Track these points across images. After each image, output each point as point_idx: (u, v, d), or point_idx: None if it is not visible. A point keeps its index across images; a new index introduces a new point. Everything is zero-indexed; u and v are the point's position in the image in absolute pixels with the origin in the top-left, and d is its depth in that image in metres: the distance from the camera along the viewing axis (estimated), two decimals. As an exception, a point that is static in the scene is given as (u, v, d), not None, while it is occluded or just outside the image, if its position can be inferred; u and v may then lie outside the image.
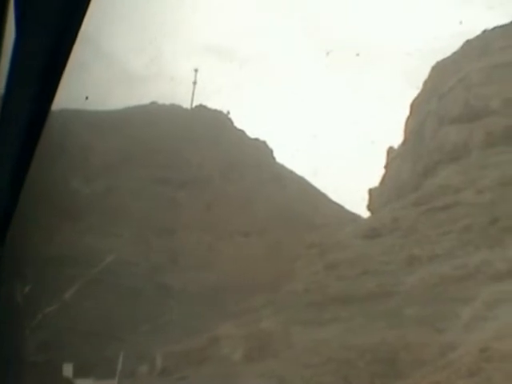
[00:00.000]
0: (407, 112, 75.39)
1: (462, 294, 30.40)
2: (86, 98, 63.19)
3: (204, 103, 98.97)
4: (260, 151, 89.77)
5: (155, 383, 39.24)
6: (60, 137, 43.23)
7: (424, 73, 74.41)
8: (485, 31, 67.18)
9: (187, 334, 42.39)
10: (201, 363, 36.62)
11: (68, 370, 35.97)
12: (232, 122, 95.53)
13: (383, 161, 76.04)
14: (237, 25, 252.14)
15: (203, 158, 78.97)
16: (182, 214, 69.37)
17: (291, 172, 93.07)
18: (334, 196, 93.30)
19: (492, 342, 15.44)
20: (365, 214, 74.83)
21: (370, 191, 74.29)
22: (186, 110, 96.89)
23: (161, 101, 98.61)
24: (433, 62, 72.38)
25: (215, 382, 32.50)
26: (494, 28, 66.06)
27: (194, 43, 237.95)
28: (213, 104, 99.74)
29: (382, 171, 75.33)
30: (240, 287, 56.98)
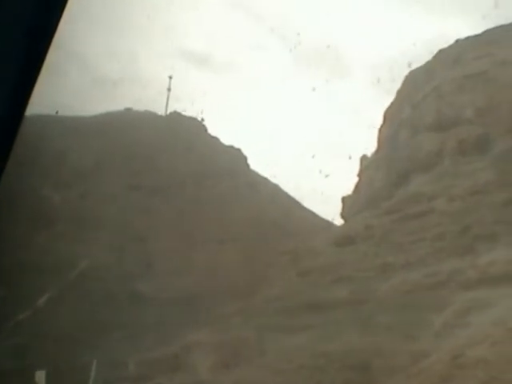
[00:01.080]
0: (381, 120, 75.87)
1: (434, 301, 30.54)
2: (56, 112, 63.21)
3: (178, 110, 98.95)
4: (234, 158, 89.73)
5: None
6: (33, 143, 42.94)
7: (398, 81, 74.96)
8: (457, 41, 67.82)
9: (160, 341, 42.21)
10: (174, 370, 36.48)
11: (41, 377, 35.63)
12: (206, 129, 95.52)
13: (357, 169, 76.45)
14: (210, 30, 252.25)
15: (177, 164, 78.80)
16: (156, 220, 69.15)
17: (265, 179, 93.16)
18: (308, 203, 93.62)
19: (464, 349, 15.53)
20: (338, 221, 75.14)
21: (344, 199, 74.52)
22: (161, 116, 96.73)
23: (135, 106, 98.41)
24: (406, 71, 72.92)
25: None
26: (467, 38, 66.72)
27: (168, 48, 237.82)
28: (187, 111, 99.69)
29: (356, 179, 75.70)
30: (213, 294, 56.84)
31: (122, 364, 41.46)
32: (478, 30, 67.48)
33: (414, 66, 72.14)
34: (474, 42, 63.76)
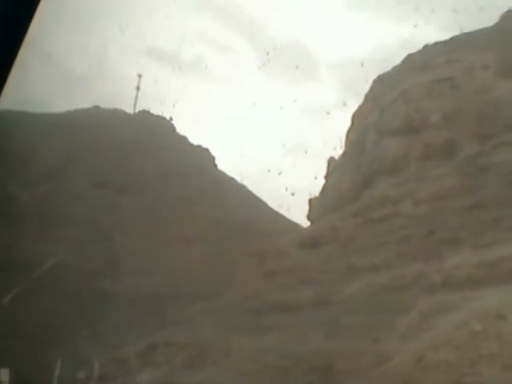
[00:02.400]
0: (348, 123, 76.28)
1: (398, 304, 30.72)
2: None
3: (147, 108, 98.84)
4: (202, 158, 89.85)
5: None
6: (0, 140, 42.56)
7: (366, 84, 75.44)
8: (426, 46, 68.37)
9: (126, 340, 42.03)
10: (139, 370, 36.33)
11: (5, 375, 35.26)
12: (174, 129, 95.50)
13: (324, 171, 76.76)
14: (179, 29, 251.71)
15: (145, 163, 78.63)
16: (123, 219, 68.92)
17: (232, 179, 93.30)
18: (274, 204, 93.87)
19: (427, 352, 15.67)
20: (304, 223, 75.39)
21: (310, 201, 74.75)
22: (129, 114, 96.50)
23: (104, 104, 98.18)
24: (375, 74, 73.42)
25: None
26: (435, 43, 67.27)
27: (137, 47, 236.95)
28: (156, 109, 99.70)
29: (323, 181, 75.96)
30: (180, 294, 56.76)
31: (87, 363, 41.22)
32: (447, 36, 68.18)
33: (382, 70, 72.72)
34: (442, 48, 64.28)
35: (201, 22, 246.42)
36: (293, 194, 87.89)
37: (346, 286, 39.01)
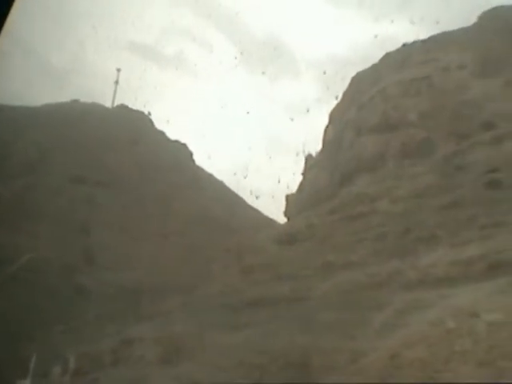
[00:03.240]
0: (326, 120, 76.58)
1: (374, 301, 30.89)
2: None
3: (126, 103, 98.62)
4: (179, 153, 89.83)
5: (68, 384, 38.68)
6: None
7: (344, 81, 75.85)
8: (405, 45, 68.86)
9: (101, 334, 41.98)
10: (114, 365, 36.29)
11: None
12: (153, 123, 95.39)
13: (301, 168, 77.06)
14: (158, 23, 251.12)
15: (122, 158, 78.47)
16: (100, 213, 68.77)
17: (210, 175, 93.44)
18: (251, 200, 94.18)
19: (402, 349, 15.87)
20: (281, 219, 75.67)
21: (287, 197, 75.04)
22: (108, 109, 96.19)
23: (82, 98, 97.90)
24: (353, 71, 73.82)
25: (128, 385, 32.31)
26: (414, 42, 67.77)
27: (116, 40, 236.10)
28: (134, 104, 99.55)
29: (300, 178, 76.24)
30: (156, 288, 56.75)
31: (62, 357, 41.10)
32: (425, 35, 68.76)
33: (361, 67, 73.15)
34: (420, 47, 64.75)
35: (180, 16, 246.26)
36: (257, 198, 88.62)
37: (322, 282, 39.14)
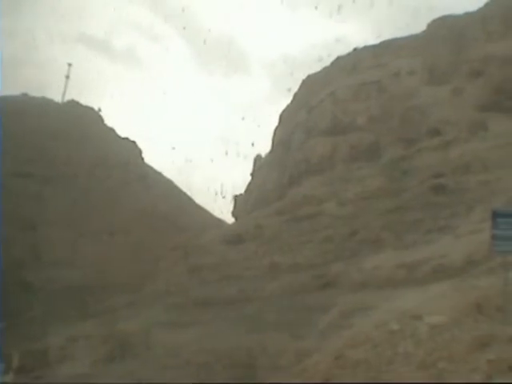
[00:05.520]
0: (276, 120, 76.97)
1: (320, 302, 31.16)
2: None
3: (76, 98, 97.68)
4: (128, 150, 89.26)
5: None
6: None
7: (296, 83, 76.41)
8: (355, 49, 69.54)
9: (46, 331, 41.51)
10: (59, 362, 35.96)
11: None
12: (102, 120, 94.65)
13: (250, 168, 77.30)
14: (111, 17, 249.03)
15: (70, 154, 77.69)
16: (47, 209, 67.97)
17: (159, 173, 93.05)
18: (200, 200, 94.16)
19: (346, 350, 16.10)
20: (229, 219, 75.83)
21: (236, 198, 75.21)
22: (57, 103, 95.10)
23: (32, 92, 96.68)
24: (306, 73, 74.40)
25: (73, 382, 31.98)
26: (365, 47, 68.49)
27: (68, 33, 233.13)
28: (85, 99, 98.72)
29: (249, 178, 76.47)
30: (102, 286, 56.39)
31: (6, 354, 40.55)
32: (376, 40, 69.70)
33: (314, 69, 73.75)
34: (371, 52, 65.48)
35: (132, 10, 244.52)
36: (216, 194, 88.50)
37: (268, 283, 39.36)
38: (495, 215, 14.28)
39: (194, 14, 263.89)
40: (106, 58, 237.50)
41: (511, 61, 48.80)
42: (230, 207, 76.42)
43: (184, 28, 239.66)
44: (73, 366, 34.59)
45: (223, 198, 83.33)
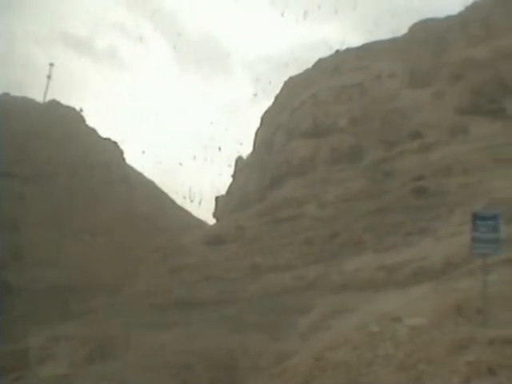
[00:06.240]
0: (258, 121, 77.06)
1: (300, 303, 31.24)
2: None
3: (58, 98, 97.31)
4: (110, 151, 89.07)
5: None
6: None
7: (278, 84, 76.55)
8: (338, 51, 69.76)
9: (28, 332, 41.28)
10: (40, 363, 35.77)
11: None
12: (84, 120, 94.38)
13: (231, 169, 77.38)
14: (92, 17, 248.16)
15: (52, 154, 77.39)
16: (28, 209, 67.66)
17: (140, 174, 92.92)
18: (181, 201, 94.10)
19: (326, 352, 16.18)
20: (210, 220, 75.86)
21: (217, 199, 75.21)
22: (39, 103, 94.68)
23: (13, 92, 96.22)
24: (288, 74, 74.59)
25: (53, 383, 31.85)
26: (347, 49, 68.72)
27: (49, 32, 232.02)
28: (67, 100, 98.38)
29: (230, 180, 76.50)
30: (83, 287, 56.24)
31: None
32: (359, 42, 70.06)
33: (295, 71, 73.90)
34: (353, 54, 65.68)
35: (114, 10, 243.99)
36: (184, 198, 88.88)
37: (249, 284, 39.43)
38: (475, 218, 14.38)
39: (176, 15, 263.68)
40: (88, 58, 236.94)
41: (491, 64, 49.12)
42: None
43: (165, 27, 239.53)
44: (53, 367, 34.43)
45: (191, 201, 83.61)
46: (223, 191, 76.60)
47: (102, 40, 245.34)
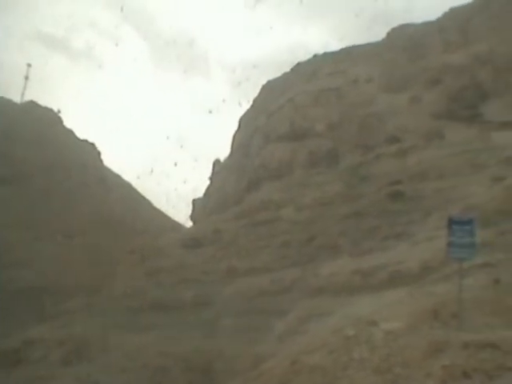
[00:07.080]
0: (235, 123, 77.13)
1: (277, 307, 31.28)
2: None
3: (36, 99, 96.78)
4: (87, 152, 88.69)
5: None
6: None
7: (256, 87, 76.62)
8: (315, 55, 69.98)
9: (3, 334, 40.99)
10: (14, 366, 35.52)
11: None
12: (62, 121, 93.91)
13: (208, 172, 77.40)
14: (68, 15, 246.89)
15: (28, 155, 76.91)
16: (3, 210, 67.10)
17: (117, 176, 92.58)
18: (158, 203, 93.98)
19: (302, 355, 16.19)
20: (187, 223, 75.78)
21: (194, 201, 75.16)
22: (16, 104, 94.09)
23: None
24: (266, 77, 74.73)
25: (29, 385, 31.68)
26: (324, 53, 68.96)
27: (26, 31, 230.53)
28: (44, 100, 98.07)
29: (207, 182, 76.46)
30: (59, 288, 55.88)
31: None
32: (336, 47, 70.37)
33: (273, 74, 73.97)
34: (331, 58, 65.96)
35: (91, 9, 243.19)
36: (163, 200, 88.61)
37: (226, 287, 39.43)
38: (451, 222, 14.44)
39: (153, 15, 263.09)
40: (65, 58, 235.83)
41: (468, 70, 49.54)
42: (189, 211, 76.42)
43: (142, 27, 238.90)
44: (28, 369, 34.23)
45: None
46: (199, 193, 76.63)
47: (80, 39, 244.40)
